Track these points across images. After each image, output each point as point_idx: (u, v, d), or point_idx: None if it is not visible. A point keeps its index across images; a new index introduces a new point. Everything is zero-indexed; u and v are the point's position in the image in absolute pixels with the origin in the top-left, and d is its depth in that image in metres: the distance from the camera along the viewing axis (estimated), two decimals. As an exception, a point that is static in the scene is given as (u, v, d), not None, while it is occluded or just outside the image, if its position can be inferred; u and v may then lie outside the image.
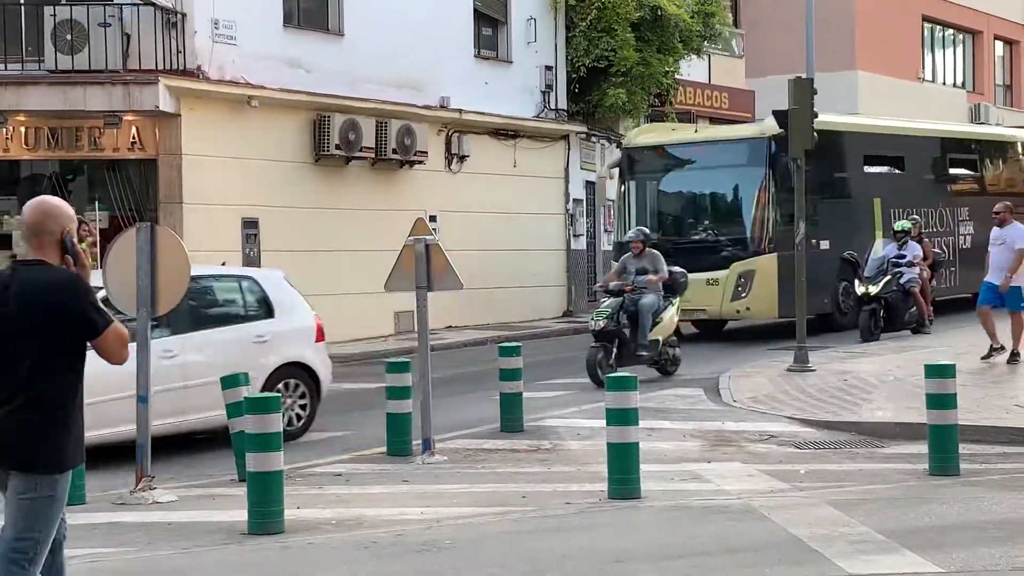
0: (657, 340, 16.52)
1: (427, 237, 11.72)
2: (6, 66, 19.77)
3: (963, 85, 44.77)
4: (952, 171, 26.04)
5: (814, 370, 16.28)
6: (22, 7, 19.88)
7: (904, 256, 20.75)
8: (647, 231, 17.85)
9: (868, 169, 23.79)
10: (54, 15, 19.46)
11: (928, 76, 42.31)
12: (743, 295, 20.85)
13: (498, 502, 9.58)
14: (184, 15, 19.98)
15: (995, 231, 16.41)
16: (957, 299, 24.78)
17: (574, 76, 27.48)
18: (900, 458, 11.25)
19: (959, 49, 45.17)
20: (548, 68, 27.03)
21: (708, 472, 10.67)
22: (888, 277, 20.54)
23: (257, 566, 7.88)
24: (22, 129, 20.13)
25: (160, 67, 19.77)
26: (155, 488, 9.95)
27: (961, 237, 25.54)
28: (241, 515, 8.79)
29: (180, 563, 7.99)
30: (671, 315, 16.97)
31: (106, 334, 5.28)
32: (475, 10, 25.66)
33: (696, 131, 22.88)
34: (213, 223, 20.41)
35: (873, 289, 20.40)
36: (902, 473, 10.52)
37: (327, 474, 11.02)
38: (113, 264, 10.18)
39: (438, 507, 9.43)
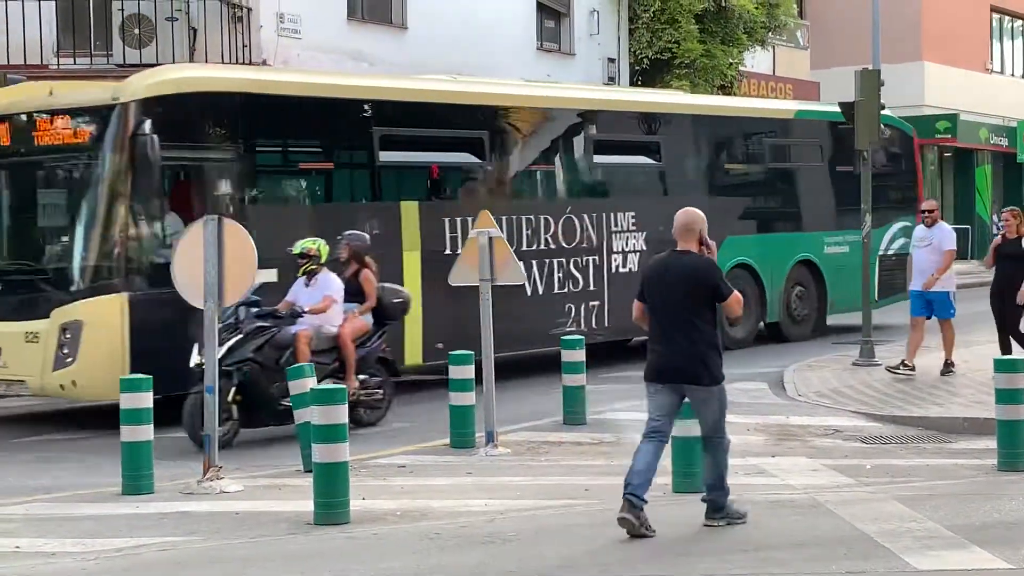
0: None
1: (491, 230, 11.76)
2: (75, 60, 20.02)
3: (1032, 76, 44.15)
4: (601, 160, 17.71)
5: (880, 364, 16.12)
6: (90, 2, 20.12)
7: (257, 304, 12.33)
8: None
9: (390, 156, 15.31)
10: (122, 9, 19.68)
11: (996, 67, 41.78)
12: (68, 361, 12.78)
13: (561, 495, 9.59)
14: (250, 9, 20.15)
15: (921, 231, 15.22)
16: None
17: (637, 68, 27.40)
18: (968, 453, 11.14)
19: (1028, 40, 44.56)
20: (611, 60, 26.97)
21: (773, 466, 10.62)
22: (240, 336, 12.16)
23: (323, 556, 7.93)
24: (90, 122, 20.32)
25: (226, 61, 19.94)
26: (222, 478, 10.04)
27: (616, 256, 17.37)
28: (307, 505, 8.86)
29: (247, 552, 8.07)
30: None
31: (730, 299, 8.12)
32: (537, 2, 25.65)
33: (51, 92, 13.77)
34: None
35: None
36: (970, 469, 10.42)
37: (391, 466, 11.08)
38: (181, 256, 10.29)
39: (502, 499, 9.45)
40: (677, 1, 26.69)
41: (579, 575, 7.28)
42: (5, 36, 18.80)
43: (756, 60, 30.92)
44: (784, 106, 22.92)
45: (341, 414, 8.77)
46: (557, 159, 17.53)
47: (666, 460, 9.79)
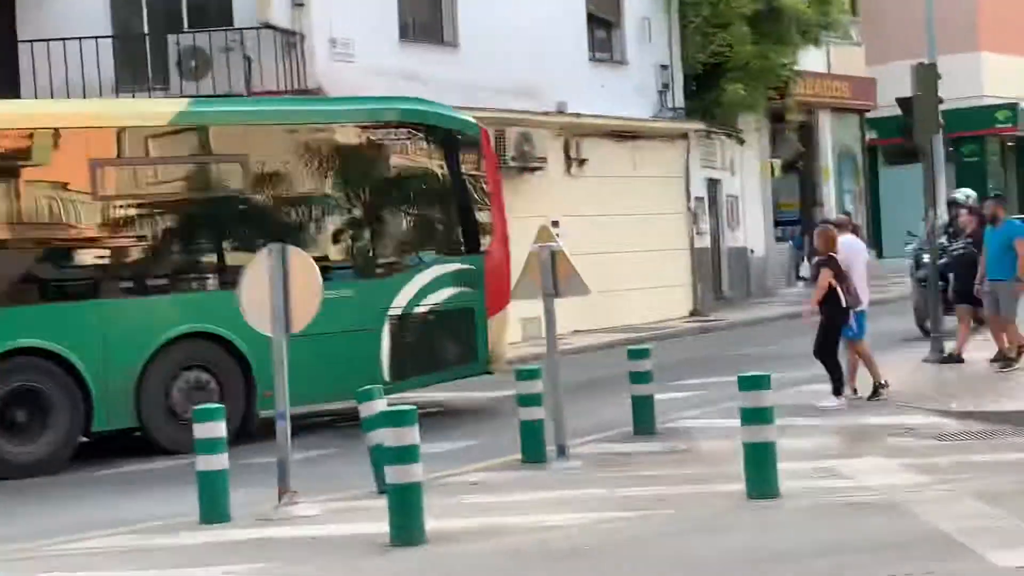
0: None
1: (552, 244, 11.76)
2: (134, 95, 20.27)
3: (1092, 61, 43.48)
4: None
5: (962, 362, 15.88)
6: (147, 37, 20.40)
7: None
8: None
9: None
10: (178, 43, 19.96)
11: (1055, 53, 41.21)
12: None
13: (637, 506, 9.56)
14: (303, 36, 20.33)
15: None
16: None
17: (690, 74, 27.34)
18: (1047, 447, 10.99)
19: (1087, 24, 43.88)
20: (664, 67, 26.91)
21: (847, 468, 10.53)
22: None
23: (402, 577, 7.97)
24: (152, 156, 20.50)
25: (281, 89, 20.12)
26: (298, 503, 10.12)
27: None
28: (383, 527, 8.88)
29: (326, 576, 8.12)
30: None
31: None
32: (588, 13, 25.66)
33: None
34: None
35: None
36: (1050, 463, 10.29)
37: (463, 483, 11.10)
38: (247, 284, 10.43)
39: (578, 513, 9.44)
40: (728, 4, 26.62)
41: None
42: (64, 74, 19.09)
43: (810, 59, 30.74)
44: (149, 108, 15.14)
45: (412, 435, 8.80)
46: None
47: (737, 466, 9.78)
